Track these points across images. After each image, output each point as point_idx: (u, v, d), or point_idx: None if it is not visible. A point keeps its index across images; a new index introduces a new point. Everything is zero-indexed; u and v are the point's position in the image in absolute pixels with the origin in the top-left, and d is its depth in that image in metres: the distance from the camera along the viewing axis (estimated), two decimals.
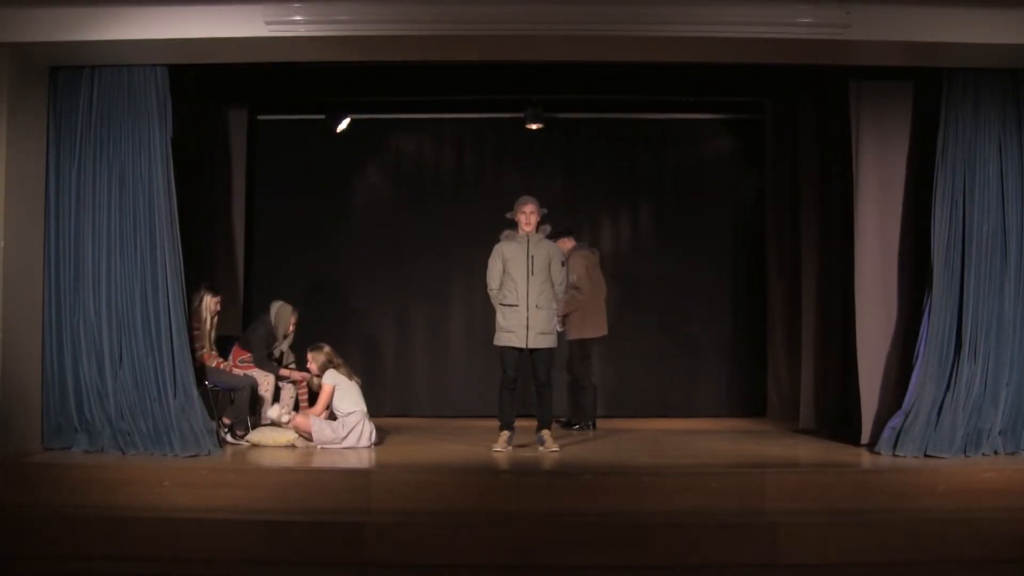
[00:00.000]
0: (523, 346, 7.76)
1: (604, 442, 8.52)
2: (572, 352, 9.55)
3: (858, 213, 8.02)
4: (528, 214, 7.81)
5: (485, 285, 8.07)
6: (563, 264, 7.97)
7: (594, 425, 9.37)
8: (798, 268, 9.72)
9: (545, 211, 7.95)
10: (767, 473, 6.73)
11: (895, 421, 7.54)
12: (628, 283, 10.88)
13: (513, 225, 7.96)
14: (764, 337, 10.55)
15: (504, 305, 7.83)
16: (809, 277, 9.47)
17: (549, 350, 7.85)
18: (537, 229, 7.87)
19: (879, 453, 7.53)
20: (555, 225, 8.11)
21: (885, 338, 7.98)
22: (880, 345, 7.98)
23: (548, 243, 7.94)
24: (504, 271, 7.85)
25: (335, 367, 8.25)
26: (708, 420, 10.39)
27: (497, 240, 8.08)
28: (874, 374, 7.96)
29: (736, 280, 10.93)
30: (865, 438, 7.92)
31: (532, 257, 7.79)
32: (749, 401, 10.75)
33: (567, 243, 9.44)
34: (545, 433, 7.92)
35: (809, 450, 8.07)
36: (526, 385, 8.25)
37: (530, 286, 7.74)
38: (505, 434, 7.85)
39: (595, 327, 9.43)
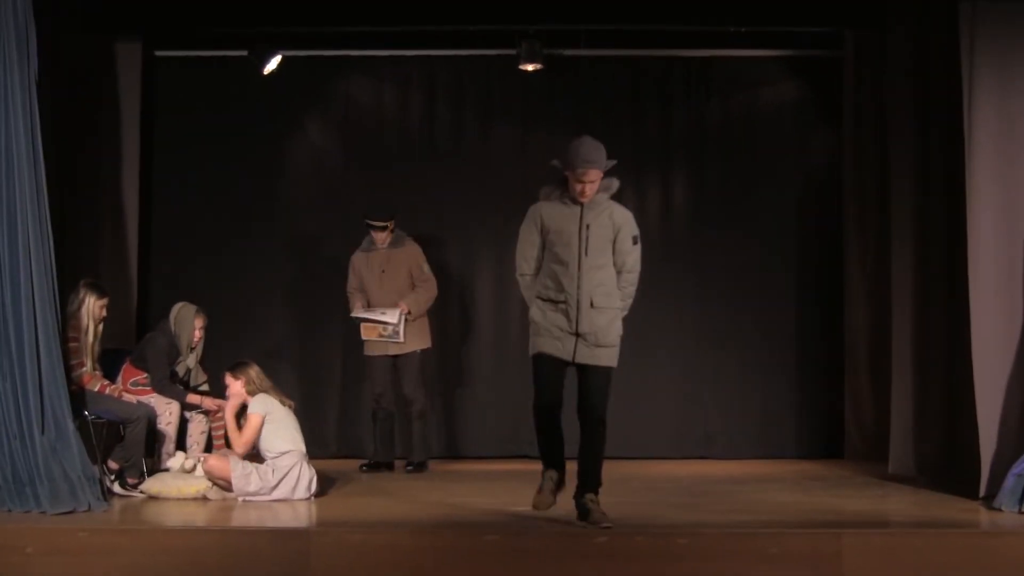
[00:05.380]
0: (568, 359, 6.92)
1: (626, 492, 8.48)
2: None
3: (971, 182, 8.01)
4: (587, 184, 6.84)
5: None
6: (636, 241, 7.05)
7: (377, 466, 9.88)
8: (888, 257, 9.73)
9: (614, 162, 6.94)
10: (846, 535, 6.69)
11: (1022, 466, 7.51)
12: (657, 276, 10.84)
13: (559, 179, 7.02)
14: (841, 351, 10.58)
15: (543, 299, 7.00)
16: (903, 269, 9.46)
17: (606, 371, 6.97)
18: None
19: (1000, 509, 7.50)
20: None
21: (1009, 354, 7.98)
22: (1002, 364, 7.98)
23: (614, 207, 7.01)
24: (543, 247, 7.00)
25: (265, 390, 8.21)
26: (765, 463, 10.43)
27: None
28: (994, 403, 7.95)
29: (804, 273, 10.97)
30: (982, 489, 7.90)
31: (587, 227, 6.90)
32: (821, 438, 10.80)
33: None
34: (590, 499, 6.95)
35: (903, 504, 8.09)
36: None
37: (583, 272, 6.85)
38: (551, 476, 6.97)
39: (418, 338, 9.86)
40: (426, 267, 9.86)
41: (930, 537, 6.80)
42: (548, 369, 6.93)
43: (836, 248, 10.73)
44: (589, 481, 6.96)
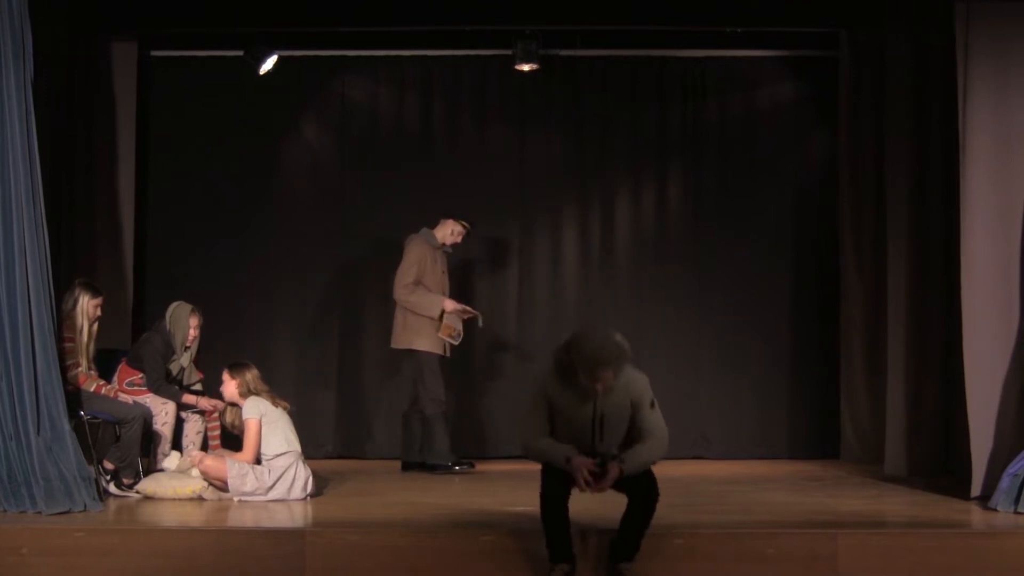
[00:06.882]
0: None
1: (621, 494, 8.47)
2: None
3: (966, 180, 7.97)
4: (603, 382, 6.17)
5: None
6: (654, 404, 6.45)
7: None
8: (883, 258, 9.73)
9: (626, 351, 6.29)
10: (841, 535, 6.70)
11: (1017, 466, 7.52)
12: (653, 276, 10.86)
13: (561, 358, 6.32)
14: (837, 352, 10.58)
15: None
16: (898, 271, 9.46)
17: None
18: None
19: (995, 509, 7.50)
20: None
21: (1003, 355, 7.95)
22: (996, 364, 7.95)
23: (629, 380, 6.37)
24: (552, 416, 6.35)
25: (257, 394, 8.20)
26: (761, 463, 10.45)
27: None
28: (988, 403, 7.93)
29: (799, 275, 10.98)
30: (976, 489, 7.90)
31: (602, 416, 6.33)
32: (817, 438, 10.81)
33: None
34: (627, 569, 6.42)
35: (899, 504, 8.09)
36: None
37: (597, 452, 6.31)
38: (563, 570, 6.31)
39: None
40: None
41: (926, 537, 6.79)
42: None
43: (832, 249, 10.73)
44: (627, 550, 6.38)
